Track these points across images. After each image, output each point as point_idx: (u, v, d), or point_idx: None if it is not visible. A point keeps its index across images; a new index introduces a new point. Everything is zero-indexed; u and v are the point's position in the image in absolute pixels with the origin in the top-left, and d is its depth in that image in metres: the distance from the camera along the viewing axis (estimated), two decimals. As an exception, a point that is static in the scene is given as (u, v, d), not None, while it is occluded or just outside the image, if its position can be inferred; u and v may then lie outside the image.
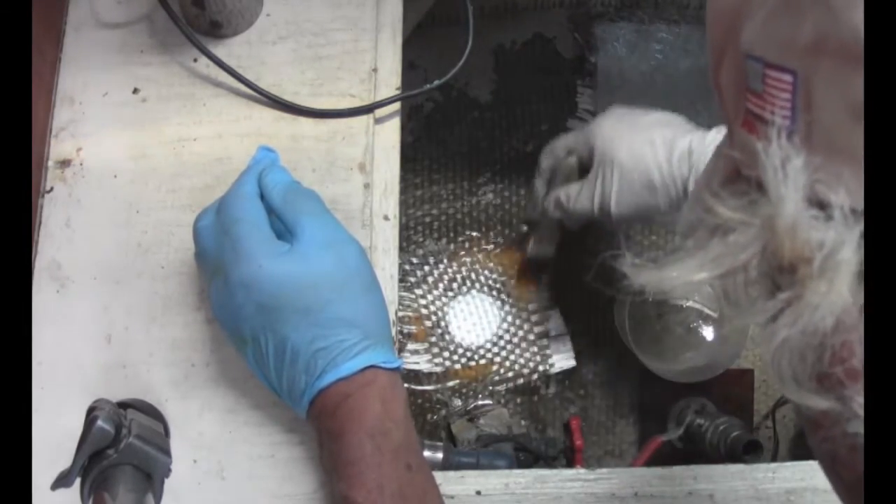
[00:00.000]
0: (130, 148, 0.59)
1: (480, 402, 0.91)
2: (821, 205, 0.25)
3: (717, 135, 0.61)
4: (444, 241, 0.94)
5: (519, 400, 0.92)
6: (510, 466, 0.79)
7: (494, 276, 0.93)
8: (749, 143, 0.27)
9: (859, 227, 0.24)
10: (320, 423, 0.46)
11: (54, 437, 0.52)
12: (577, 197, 0.66)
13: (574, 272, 0.95)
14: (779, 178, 0.25)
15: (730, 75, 0.29)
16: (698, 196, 0.30)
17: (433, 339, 0.91)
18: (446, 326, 0.91)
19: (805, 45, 0.24)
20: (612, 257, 0.70)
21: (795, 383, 0.27)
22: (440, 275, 0.93)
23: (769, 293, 0.26)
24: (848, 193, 0.24)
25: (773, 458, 0.91)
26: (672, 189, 0.61)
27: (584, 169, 0.69)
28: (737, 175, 0.29)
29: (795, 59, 0.24)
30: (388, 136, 0.59)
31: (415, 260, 0.93)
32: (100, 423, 0.43)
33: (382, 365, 0.46)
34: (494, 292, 0.93)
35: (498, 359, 0.91)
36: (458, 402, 0.91)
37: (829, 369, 0.26)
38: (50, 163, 0.59)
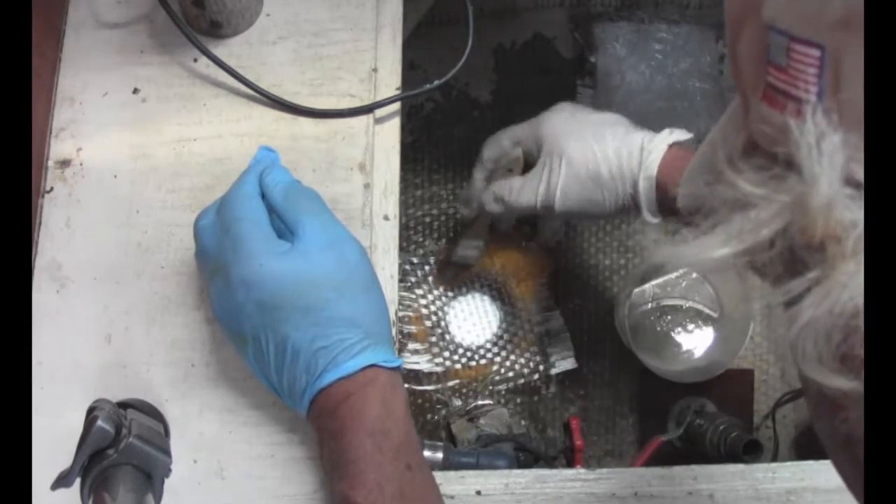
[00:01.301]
0: (130, 148, 0.59)
1: (480, 402, 0.91)
2: (855, 184, 0.24)
3: (668, 136, 0.60)
4: (444, 241, 0.94)
5: (519, 400, 0.92)
6: (510, 466, 0.79)
7: (494, 276, 0.93)
8: (772, 118, 0.26)
9: None
10: (321, 423, 0.46)
11: (54, 437, 0.52)
12: (520, 190, 0.64)
13: (574, 272, 0.95)
14: (813, 156, 0.24)
15: (749, 47, 0.28)
16: (709, 169, 0.29)
17: (433, 339, 0.91)
18: (446, 326, 0.91)
19: (834, 19, 0.23)
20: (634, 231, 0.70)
21: (819, 363, 0.27)
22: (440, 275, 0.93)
23: (792, 271, 0.26)
24: None
25: (773, 458, 0.90)
26: (620, 186, 0.60)
27: (528, 164, 0.67)
28: (753, 148, 0.28)
29: (824, 34, 0.24)
30: (388, 136, 0.59)
31: (415, 260, 0.93)
32: (100, 423, 0.43)
33: (383, 364, 0.46)
34: (494, 292, 0.93)
35: (498, 359, 0.91)
36: (458, 402, 0.91)
37: (854, 350, 0.26)
38: (50, 163, 0.59)
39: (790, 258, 0.26)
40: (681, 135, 0.60)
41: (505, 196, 0.66)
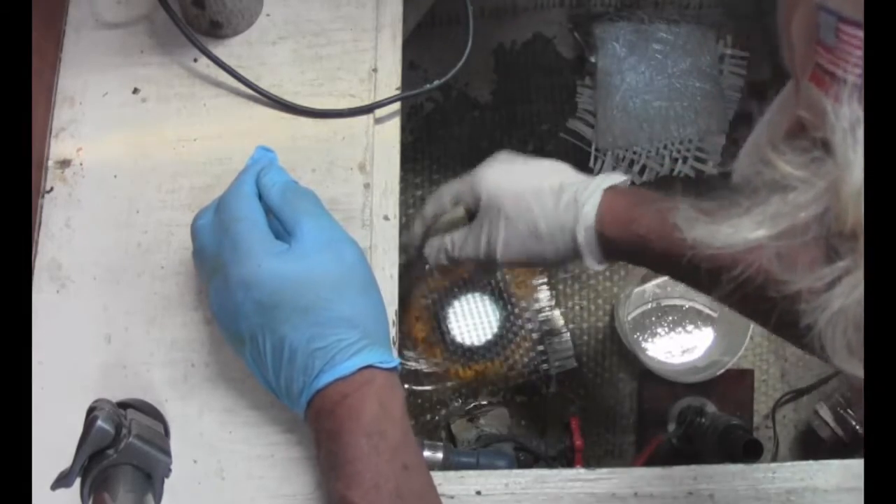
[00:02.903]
0: (130, 148, 0.59)
1: (480, 402, 0.91)
2: None
3: (601, 182, 0.59)
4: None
5: (519, 400, 0.92)
6: (510, 466, 0.79)
7: (494, 276, 0.93)
8: (817, 100, 0.26)
9: None
10: (318, 423, 0.46)
11: (54, 437, 0.52)
12: (462, 244, 0.64)
13: (574, 272, 0.95)
14: (848, 141, 0.24)
15: (801, 26, 0.27)
16: (756, 150, 0.29)
17: (433, 339, 0.91)
18: (446, 326, 0.91)
19: None
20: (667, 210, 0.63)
21: (848, 352, 0.26)
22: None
23: (826, 259, 0.26)
24: None
25: (773, 458, 0.91)
26: (559, 237, 0.59)
27: (471, 217, 0.66)
28: (800, 129, 0.27)
29: None
30: (388, 136, 0.59)
31: (415, 260, 0.93)
32: (100, 423, 0.43)
33: (380, 364, 0.46)
34: (494, 292, 0.93)
35: (498, 359, 0.91)
36: (458, 402, 0.91)
37: None
38: (50, 163, 0.59)
39: (824, 245, 0.26)
40: (616, 178, 0.60)
41: (449, 250, 0.66)
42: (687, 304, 0.93)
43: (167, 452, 0.47)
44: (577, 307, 0.94)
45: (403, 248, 0.71)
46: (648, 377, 0.90)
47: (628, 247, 0.57)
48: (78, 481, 0.44)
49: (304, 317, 0.45)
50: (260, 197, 0.49)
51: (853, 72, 0.24)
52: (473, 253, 0.63)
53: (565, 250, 0.60)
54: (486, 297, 0.93)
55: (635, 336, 0.92)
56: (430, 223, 0.68)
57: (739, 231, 0.27)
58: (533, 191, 0.60)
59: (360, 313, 0.46)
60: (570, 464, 0.88)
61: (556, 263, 0.62)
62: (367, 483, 0.43)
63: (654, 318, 0.93)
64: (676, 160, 0.95)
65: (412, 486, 0.44)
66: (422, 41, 0.92)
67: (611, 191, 0.58)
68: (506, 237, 0.61)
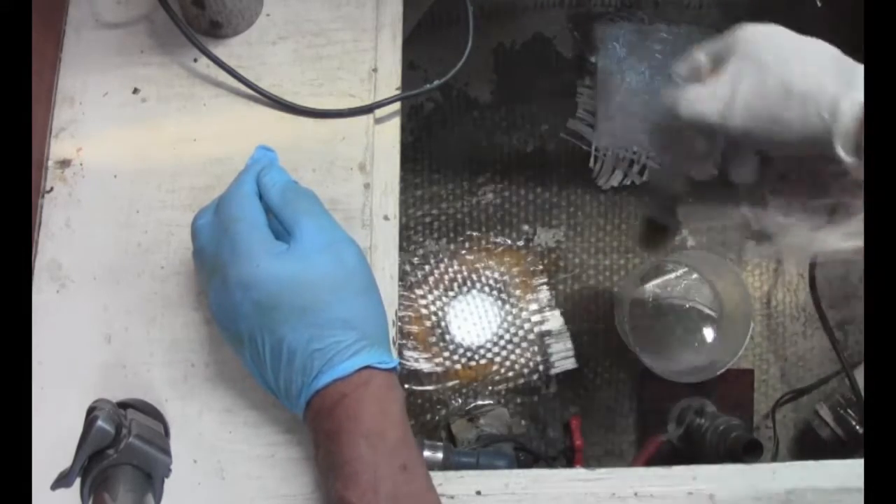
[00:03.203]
0: (130, 148, 0.59)
1: (480, 402, 0.91)
2: None
3: None
4: (444, 241, 0.94)
5: (519, 400, 0.92)
6: (510, 466, 0.79)
7: (494, 276, 0.93)
8: None
9: None
10: (316, 424, 0.46)
11: (54, 437, 0.52)
12: (698, 97, 0.53)
13: (574, 272, 0.95)
14: None
15: None
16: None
17: (433, 339, 0.91)
18: (446, 326, 0.91)
19: None
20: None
21: None
22: (440, 275, 0.93)
23: None
24: None
25: (773, 458, 0.91)
26: (812, 106, 0.47)
27: None
28: None
29: None
30: (388, 136, 0.59)
31: (415, 260, 0.93)
32: (100, 423, 0.43)
33: (379, 365, 0.46)
34: (494, 292, 0.93)
35: (498, 359, 0.91)
36: (458, 402, 0.91)
37: None
38: (50, 163, 0.59)
39: None
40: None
41: (683, 105, 0.55)
42: (687, 304, 0.93)
43: (167, 452, 0.47)
44: (577, 307, 0.94)
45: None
46: (648, 377, 0.90)
47: None
48: (78, 481, 0.44)
49: (303, 318, 0.45)
50: (260, 197, 0.49)
51: None
52: (708, 109, 0.52)
53: (815, 124, 0.48)
54: (486, 297, 0.93)
55: (635, 336, 0.92)
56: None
57: (834, 241, 0.26)
58: (797, 46, 0.51)
59: (359, 314, 0.46)
60: (570, 464, 0.88)
61: (798, 143, 0.49)
62: (366, 483, 0.43)
63: (653, 318, 0.93)
64: (676, 160, 0.95)
65: (411, 487, 0.44)
66: (422, 41, 0.92)
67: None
68: (751, 90, 0.50)
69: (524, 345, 0.92)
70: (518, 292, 0.93)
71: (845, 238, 0.26)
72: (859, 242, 0.25)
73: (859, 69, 0.48)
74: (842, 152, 0.46)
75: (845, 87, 0.47)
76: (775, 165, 0.55)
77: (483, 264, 0.94)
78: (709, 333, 0.93)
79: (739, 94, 0.50)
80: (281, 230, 0.48)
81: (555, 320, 0.93)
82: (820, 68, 0.48)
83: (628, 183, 0.95)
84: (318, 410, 0.45)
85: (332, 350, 0.45)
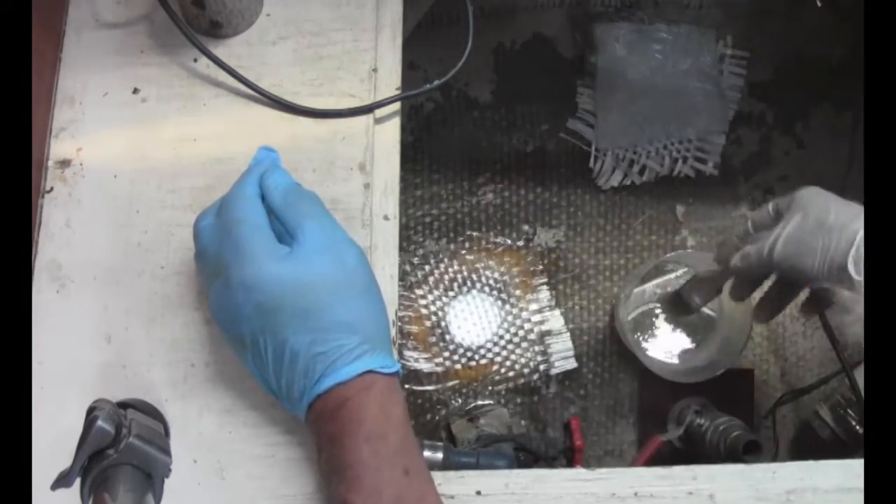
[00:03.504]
0: (130, 148, 0.59)
1: (480, 402, 0.91)
2: None
3: None
4: (444, 241, 0.94)
5: (519, 400, 0.92)
6: (510, 466, 0.79)
7: (494, 276, 0.93)
8: None
9: None
10: (318, 427, 0.46)
11: (54, 437, 0.52)
12: (753, 241, 0.63)
13: (574, 272, 0.95)
14: None
15: None
16: None
17: (433, 339, 0.91)
18: (446, 326, 0.91)
19: None
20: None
21: None
22: (440, 275, 0.93)
23: None
24: None
25: (773, 458, 0.91)
26: (836, 239, 0.57)
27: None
28: None
29: None
30: (388, 136, 0.59)
31: (415, 260, 0.93)
32: (100, 423, 0.43)
33: (380, 370, 0.46)
34: (494, 292, 0.93)
35: (498, 359, 0.91)
36: (458, 402, 0.91)
37: None
38: (50, 163, 0.59)
39: None
40: None
41: (743, 251, 0.64)
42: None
43: (167, 452, 0.47)
44: (577, 307, 0.94)
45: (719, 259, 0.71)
46: (648, 377, 0.90)
47: None
48: (78, 481, 0.44)
49: (306, 320, 0.45)
50: (263, 198, 0.49)
51: None
52: (757, 252, 0.62)
53: (835, 255, 0.57)
54: (486, 297, 0.93)
55: (635, 336, 0.92)
56: (750, 232, 0.67)
57: None
58: (839, 201, 0.59)
59: (361, 318, 0.46)
60: (570, 464, 0.88)
61: (821, 273, 0.58)
62: (369, 488, 0.43)
63: (654, 318, 0.93)
64: (676, 160, 0.95)
65: (413, 491, 0.44)
66: (422, 41, 0.92)
67: None
68: (792, 229, 0.59)
69: (524, 345, 0.92)
70: (518, 292, 0.93)
71: None
72: None
73: None
74: (853, 271, 0.56)
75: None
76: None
77: (483, 264, 0.94)
78: (709, 333, 0.93)
79: (785, 230, 0.60)
80: (283, 232, 0.48)
81: (555, 320, 0.93)
82: (850, 213, 0.58)
83: (628, 183, 0.95)
84: (319, 414, 0.45)
85: (334, 354, 0.45)
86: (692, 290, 0.82)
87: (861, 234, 0.56)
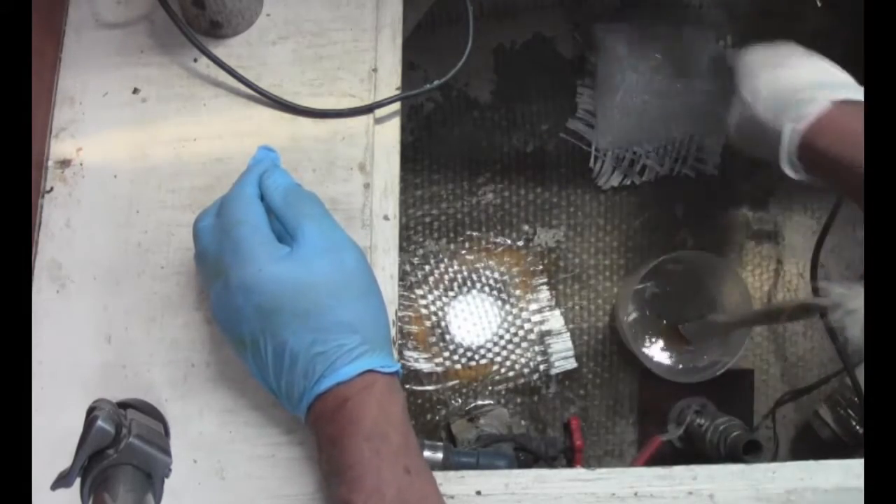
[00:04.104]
0: (130, 148, 0.59)
1: (480, 402, 0.91)
2: None
3: (833, 92, 0.55)
4: (444, 241, 0.94)
5: (519, 400, 0.92)
6: (510, 466, 0.79)
7: (494, 276, 0.93)
8: None
9: None
10: (319, 428, 0.46)
11: (54, 436, 0.52)
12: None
13: (574, 272, 0.95)
14: None
15: None
16: None
17: (433, 339, 0.91)
18: (446, 326, 0.91)
19: None
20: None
21: None
22: (440, 275, 0.93)
23: None
24: None
25: (773, 458, 0.91)
26: (771, 132, 0.58)
27: None
28: None
29: None
30: (388, 136, 0.59)
31: (415, 260, 0.93)
32: (100, 423, 0.43)
33: (380, 369, 0.46)
34: (494, 292, 0.93)
35: (498, 359, 0.91)
36: (458, 402, 0.91)
37: None
38: (50, 163, 0.59)
39: None
40: (855, 93, 0.55)
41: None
42: (687, 304, 0.93)
43: (167, 452, 0.47)
44: (577, 307, 0.94)
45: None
46: (648, 377, 0.90)
47: (824, 170, 0.55)
48: (78, 481, 0.44)
49: (305, 321, 0.45)
50: (262, 198, 0.49)
51: None
52: (729, 124, 0.66)
53: (775, 146, 0.57)
54: (486, 297, 0.93)
55: (635, 336, 0.92)
56: None
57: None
58: (769, 77, 0.60)
59: (361, 318, 0.46)
60: (570, 464, 0.88)
61: (769, 158, 0.59)
62: (370, 487, 0.43)
63: (654, 318, 0.93)
64: (676, 160, 0.95)
65: (415, 490, 0.44)
66: (422, 41, 0.92)
67: (844, 104, 0.54)
68: (738, 118, 0.62)
69: (524, 345, 0.92)
70: (518, 292, 0.93)
71: None
72: None
73: (809, 88, 0.57)
74: (786, 167, 0.57)
75: (792, 115, 0.57)
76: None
77: (483, 264, 0.94)
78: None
79: (734, 120, 0.64)
80: (283, 233, 0.48)
81: (555, 320, 0.93)
82: (775, 94, 0.59)
83: (628, 183, 0.95)
84: (320, 414, 0.45)
85: (334, 354, 0.45)
86: (693, 331, 0.85)
87: (788, 128, 0.56)
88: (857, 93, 0.56)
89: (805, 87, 0.57)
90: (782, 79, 0.59)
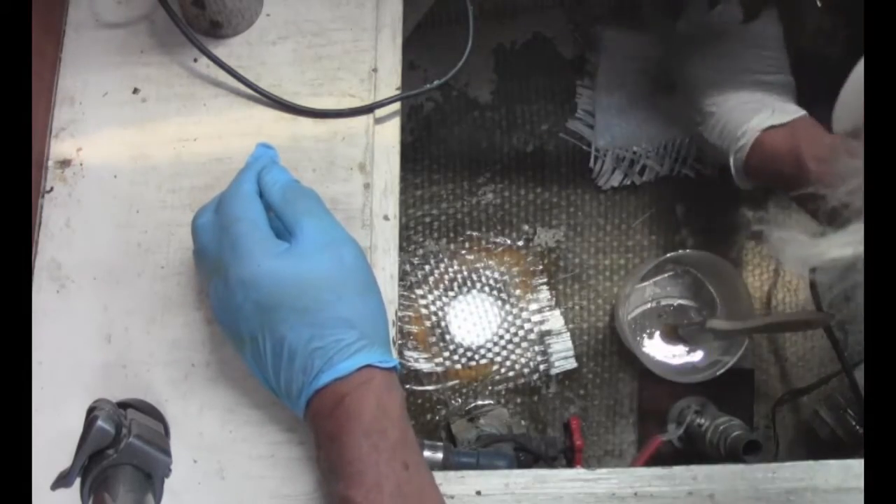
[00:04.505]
0: (130, 148, 0.59)
1: (480, 402, 0.91)
2: None
3: (763, 121, 0.69)
4: (444, 241, 0.94)
5: (519, 400, 0.92)
6: (510, 466, 0.79)
7: (494, 276, 0.93)
8: None
9: None
10: (317, 424, 0.46)
11: (54, 436, 0.52)
12: None
13: (574, 272, 0.95)
14: None
15: None
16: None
17: (433, 339, 0.91)
18: (446, 326, 0.91)
19: None
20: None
21: None
22: (440, 275, 0.93)
23: None
24: None
25: (774, 458, 0.90)
26: (720, 153, 0.73)
27: None
28: None
29: None
30: (388, 136, 0.59)
31: (415, 260, 0.93)
32: (100, 423, 0.43)
33: (379, 364, 0.46)
34: (494, 292, 0.93)
35: (498, 359, 0.91)
36: (458, 402, 0.91)
37: None
38: (50, 163, 0.59)
39: None
40: (778, 118, 0.69)
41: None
42: (687, 304, 0.93)
43: (167, 452, 0.47)
44: (577, 307, 0.94)
45: None
46: (648, 377, 0.90)
47: (767, 179, 0.72)
48: (78, 481, 0.44)
49: (304, 317, 0.45)
50: (261, 195, 0.49)
51: None
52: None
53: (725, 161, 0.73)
54: (486, 297, 0.93)
55: (635, 336, 0.92)
56: None
57: (829, 250, 0.27)
58: (711, 102, 0.74)
59: (359, 314, 0.46)
60: (570, 464, 0.88)
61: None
62: (369, 482, 0.43)
63: (653, 318, 0.93)
64: (676, 160, 0.95)
65: (413, 485, 0.44)
66: (422, 41, 0.92)
67: (771, 129, 0.69)
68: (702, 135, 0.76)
69: (524, 345, 0.92)
70: (518, 292, 0.93)
71: (844, 246, 0.26)
72: (859, 249, 0.26)
73: (743, 121, 0.72)
74: (741, 182, 0.74)
75: (732, 145, 0.72)
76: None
77: (483, 264, 0.94)
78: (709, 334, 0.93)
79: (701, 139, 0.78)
80: (282, 229, 0.48)
81: (555, 320, 0.93)
82: (721, 124, 0.74)
83: (628, 183, 0.95)
84: (318, 410, 0.45)
85: (332, 349, 0.45)
86: (692, 334, 0.86)
87: (734, 157, 0.72)
88: (779, 116, 0.70)
89: (740, 124, 0.72)
90: (724, 121, 0.74)
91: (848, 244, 0.26)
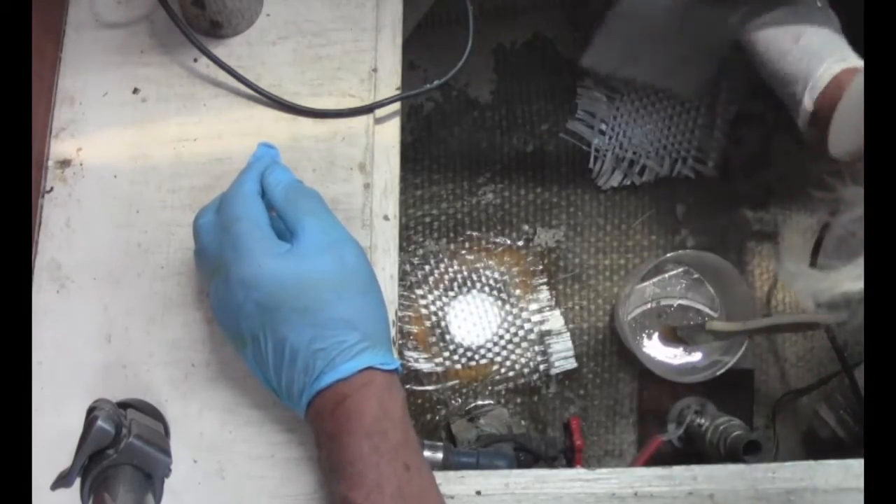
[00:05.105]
0: (130, 148, 0.59)
1: (480, 402, 0.91)
2: None
3: (835, 64, 0.62)
4: (444, 241, 0.94)
5: (519, 400, 0.92)
6: (510, 466, 0.79)
7: (494, 276, 0.93)
8: None
9: None
10: (318, 424, 0.46)
11: (54, 436, 0.52)
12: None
13: (574, 272, 0.95)
14: None
15: None
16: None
17: (433, 339, 0.91)
18: (446, 326, 0.91)
19: None
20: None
21: None
22: (440, 275, 0.93)
23: None
24: None
25: (773, 458, 0.91)
26: (790, 90, 0.65)
27: None
28: None
29: None
30: (388, 136, 0.59)
31: (415, 260, 0.93)
32: (100, 423, 0.43)
33: (380, 366, 0.46)
34: (494, 292, 0.93)
35: (498, 359, 0.91)
36: (458, 402, 0.91)
37: None
38: (50, 163, 0.59)
39: None
40: (855, 61, 0.62)
41: None
42: (687, 304, 0.93)
43: (167, 452, 0.47)
44: (577, 307, 0.94)
45: None
46: (648, 377, 0.90)
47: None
48: (78, 481, 0.44)
49: (305, 317, 0.45)
50: (263, 195, 0.49)
51: None
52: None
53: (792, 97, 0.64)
54: (486, 297, 0.93)
55: (635, 336, 0.92)
56: None
57: (839, 284, 0.27)
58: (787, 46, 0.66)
59: (361, 315, 0.46)
60: (570, 464, 0.88)
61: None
62: (370, 484, 0.43)
63: (653, 318, 0.93)
64: (676, 160, 0.95)
65: (414, 487, 0.44)
66: (422, 41, 0.92)
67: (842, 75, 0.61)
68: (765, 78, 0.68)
69: (524, 345, 0.92)
70: (518, 292, 0.93)
71: (855, 280, 0.26)
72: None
73: (823, 66, 0.64)
74: (802, 125, 0.63)
75: (804, 88, 0.63)
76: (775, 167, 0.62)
77: (483, 264, 0.94)
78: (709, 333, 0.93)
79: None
80: (283, 229, 0.48)
81: (555, 320, 0.93)
82: (797, 61, 0.65)
83: (628, 183, 0.95)
84: (319, 411, 0.45)
85: (334, 350, 0.45)
86: (690, 334, 0.86)
87: (803, 92, 0.63)
88: (856, 61, 0.63)
89: (823, 57, 0.63)
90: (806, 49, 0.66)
91: (858, 277, 0.26)
